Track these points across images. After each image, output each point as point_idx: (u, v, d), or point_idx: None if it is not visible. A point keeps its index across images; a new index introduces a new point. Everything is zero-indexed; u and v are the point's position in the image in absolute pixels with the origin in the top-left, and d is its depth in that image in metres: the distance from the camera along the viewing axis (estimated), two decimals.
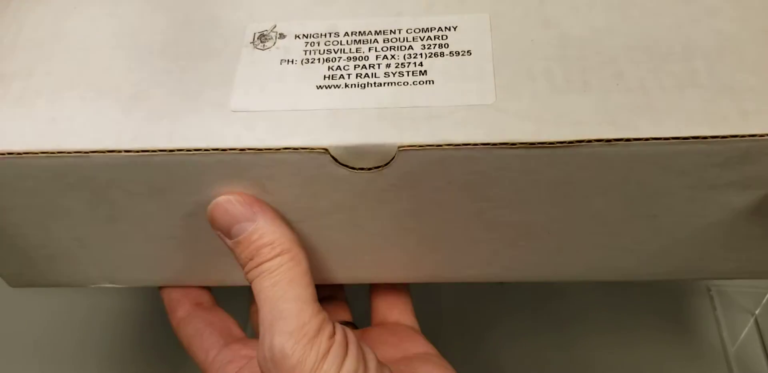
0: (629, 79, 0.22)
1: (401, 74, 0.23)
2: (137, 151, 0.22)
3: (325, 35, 0.25)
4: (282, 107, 0.23)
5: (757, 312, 0.38)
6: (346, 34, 0.25)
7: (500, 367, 0.37)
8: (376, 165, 0.22)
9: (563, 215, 0.25)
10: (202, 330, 0.29)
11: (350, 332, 0.24)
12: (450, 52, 0.24)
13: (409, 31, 0.24)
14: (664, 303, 0.39)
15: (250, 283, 0.24)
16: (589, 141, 0.21)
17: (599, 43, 0.23)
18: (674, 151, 0.21)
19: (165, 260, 0.28)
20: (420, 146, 0.21)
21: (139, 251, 0.27)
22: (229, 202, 0.24)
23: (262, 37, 0.25)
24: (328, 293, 0.33)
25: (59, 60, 0.25)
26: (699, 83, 0.22)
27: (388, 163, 0.22)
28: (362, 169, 0.22)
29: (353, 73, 0.24)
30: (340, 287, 0.33)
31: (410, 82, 0.23)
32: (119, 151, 0.22)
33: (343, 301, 0.33)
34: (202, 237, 0.26)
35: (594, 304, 0.39)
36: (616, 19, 0.24)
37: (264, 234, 0.23)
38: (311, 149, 0.22)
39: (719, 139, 0.21)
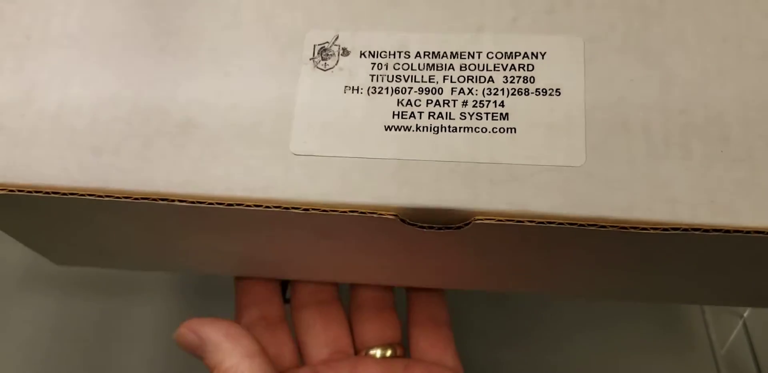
0: (736, 146, 0.20)
1: (479, 116, 0.21)
2: (191, 202, 0.21)
3: (395, 55, 0.22)
4: (348, 153, 0.21)
5: (745, 315, 0.36)
6: (418, 54, 0.21)
7: (484, 367, 0.37)
8: (447, 226, 0.21)
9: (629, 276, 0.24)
10: None
11: None
12: (536, 90, 0.21)
13: (490, 55, 0.21)
14: (652, 305, 0.38)
15: None
16: (685, 230, 0.19)
17: (707, 91, 0.20)
18: None
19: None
20: (497, 219, 0.20)
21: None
22: (181, 336, 0.26)
23: (324, 53, 0.22)
24: (380, 304, 0.31)
25: None
26: None
27: (460, 227, 0.21)
28: (431, 228, 0.21)
29: (425, 111, 0.21)
30: (390, 291, 0.31)
31: (489, 129, 0.21)
32: (172, 199, 0.21)
33: (391, 309, 0.31)
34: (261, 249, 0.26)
35: (581, 307, 0.38)
36: (730, 59, 0.21)
37: (213, 357, 0.25)
38: (380, 214, 0.20)
39: None
